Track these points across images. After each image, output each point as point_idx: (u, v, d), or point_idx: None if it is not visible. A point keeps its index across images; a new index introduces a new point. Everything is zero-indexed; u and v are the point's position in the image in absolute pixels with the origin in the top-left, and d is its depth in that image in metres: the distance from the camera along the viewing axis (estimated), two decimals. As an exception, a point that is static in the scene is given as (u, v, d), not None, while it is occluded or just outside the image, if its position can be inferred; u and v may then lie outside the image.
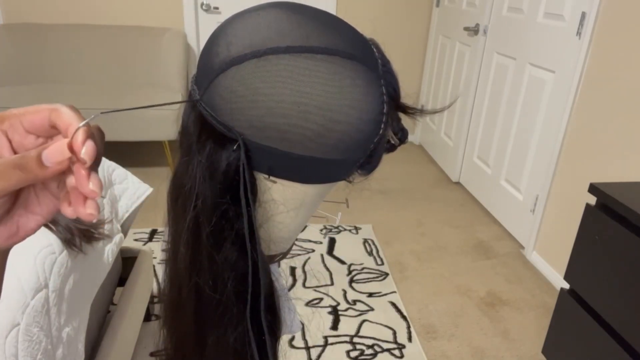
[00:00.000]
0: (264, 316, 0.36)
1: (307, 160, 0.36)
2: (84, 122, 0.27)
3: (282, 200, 0.38)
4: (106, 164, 1.40)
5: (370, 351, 1.68)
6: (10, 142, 0.29)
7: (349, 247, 2.31)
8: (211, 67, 0.36)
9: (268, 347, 0.37)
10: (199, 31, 3.37)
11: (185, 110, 0.39)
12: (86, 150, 0.26)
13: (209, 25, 3.37)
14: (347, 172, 0.40)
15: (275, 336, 0.40)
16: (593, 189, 1.34)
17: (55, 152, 0.26)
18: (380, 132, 0.38)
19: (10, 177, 0.27)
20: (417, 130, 3.87)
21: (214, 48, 0.37)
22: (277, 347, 0.41)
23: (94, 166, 0.27)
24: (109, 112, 0.31)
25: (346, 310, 1.88)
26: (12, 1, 3.13)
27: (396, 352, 1.68)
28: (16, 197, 0.31)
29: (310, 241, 2.34)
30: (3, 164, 0.27)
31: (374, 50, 0.39)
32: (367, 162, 0.40)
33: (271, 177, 0.37)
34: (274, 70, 0.34)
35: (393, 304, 1.92)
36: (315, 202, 0.41)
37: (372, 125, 0.37)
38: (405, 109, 0.41)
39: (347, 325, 1.79)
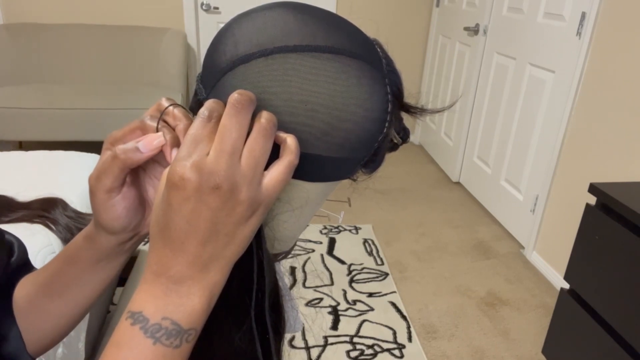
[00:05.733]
0: (268, 315, 0.36)
1: (313, 158, 0.36)
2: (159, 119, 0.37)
3: (286, 199, 0.38)
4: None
5: (370, 351, 1.68)
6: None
7: (349, 247, 2.31)
8: (218, 65, 0.36)
9: (272, 346, 0.37)
10: (199, 31, 3.37)
11: (192, 110, 0.40)
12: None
13: (209, 25, 3.37)
14: (351, 171, 0.40)
15: (280, 335, 0.40)
16: (593, 189, 1.34)
17: (148, 142, 0.35)
18: (385, 130, 0.38)
19: (113, 169, 0.36)
20: (417, 130, 3.87)
21: (220, 47, 0.37)
22: (280, 346, 0.41)
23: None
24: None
25: (346, 310, 1.88)
26: (12, 1, 3.13)
27: (396, 352, 1.68)
28: (144, 190, 0.40)
29: (310, 241, 2.34)
30: (103, 162, 0.36)
31: (378, 50, 0.39)
32: (372, 161, 0.41)
33: None
34: (282, 69, 0.34)
35: (393, 304, 1.93)
36: (319, 201, 0.41)
37: (377, 123, 0.37)
38: (409, 108, 0.41)
39: (347, 325, 1.79)
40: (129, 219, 0.39)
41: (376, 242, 2.37)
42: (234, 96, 0.31)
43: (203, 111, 0.32)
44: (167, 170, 0.32)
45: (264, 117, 0.32)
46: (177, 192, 0.30)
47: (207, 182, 0.30)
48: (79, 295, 0.43)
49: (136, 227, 0.40)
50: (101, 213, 0.38)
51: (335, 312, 1.86)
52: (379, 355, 1.66)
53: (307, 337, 1.72)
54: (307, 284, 2.02)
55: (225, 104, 0.32)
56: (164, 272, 0.32)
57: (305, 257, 2.22)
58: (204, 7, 3.31)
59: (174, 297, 0.32)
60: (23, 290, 0.44)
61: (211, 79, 0.37)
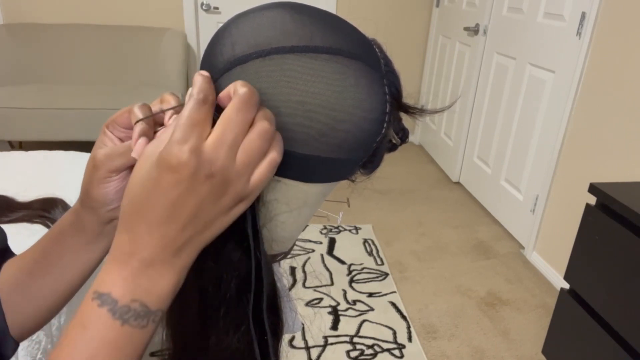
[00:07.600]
0: (266, 316, 0.36)
1: (311, 159, 0.36)
2: (140, 119, 0.36)
3: (285, 200, 0.38)
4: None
5: (370, 351, 1.68)
6: (117, 138, 0.40)
7: (349, 247, 2.31)
8: (215, 66, 0.36)
9: (270, 347, 0.37)
10: (199, 31, 3.37)
11: None
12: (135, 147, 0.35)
13: (209, 25, 3.37)
14: (350, 172, 0.40)
15: (278, 336, 0.40)
16: (593, 189, 1.34)
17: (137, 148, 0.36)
18: (383, 131, 0.38)
19: (131, 157, 0.37)
20: (417, 130, 3.87)
21: (218, 47, 0.37)
22: (279, 347, 0.41)
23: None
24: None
25: (346, 310, 1.88)
26: (12, 1, 3.13)
27: (396, 352, 1.68)
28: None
29: (310, 241, 2.34)
30: (124, 145, 0.38)
31: (377, 50, 0.39)
32: (370, 162, 0.41)
33: (275, 177, 0.37)
34: (279, 70, 0.34)
35: (393, 304, 1.92)
36: (318, 202, 0.41)
37: (375, 124, 0.37)
38: (407, 109, 0.41)
39: (347, 325, 1.79)
40: (117, 199, 0.40)
41: (376, 242, 2.37)
42: (244, 90, 0.31)
43: (197, 92, 0.31)
44: (147, 148, 0.32)
45: (267, 119, 0.32)
46: (171, 174, 0.30)
47: (204, 168, 0.30)
48: (61, 276, 0.44)
49: (117, 209, 0.41)
50: (94, 187, 0.39)
51: (335, 312, 1.86)
52: (379, 355, 1.66)
53: (307, 337, 1.72)
54: (307, 284, 2.02)
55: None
56: (136, 253, 0.32)
57: (305, 257, 2.22)
58: (204, 7, 3.31)
59: (144, 279, 0.32)
60: (8, 271, 0.45)
61: None
